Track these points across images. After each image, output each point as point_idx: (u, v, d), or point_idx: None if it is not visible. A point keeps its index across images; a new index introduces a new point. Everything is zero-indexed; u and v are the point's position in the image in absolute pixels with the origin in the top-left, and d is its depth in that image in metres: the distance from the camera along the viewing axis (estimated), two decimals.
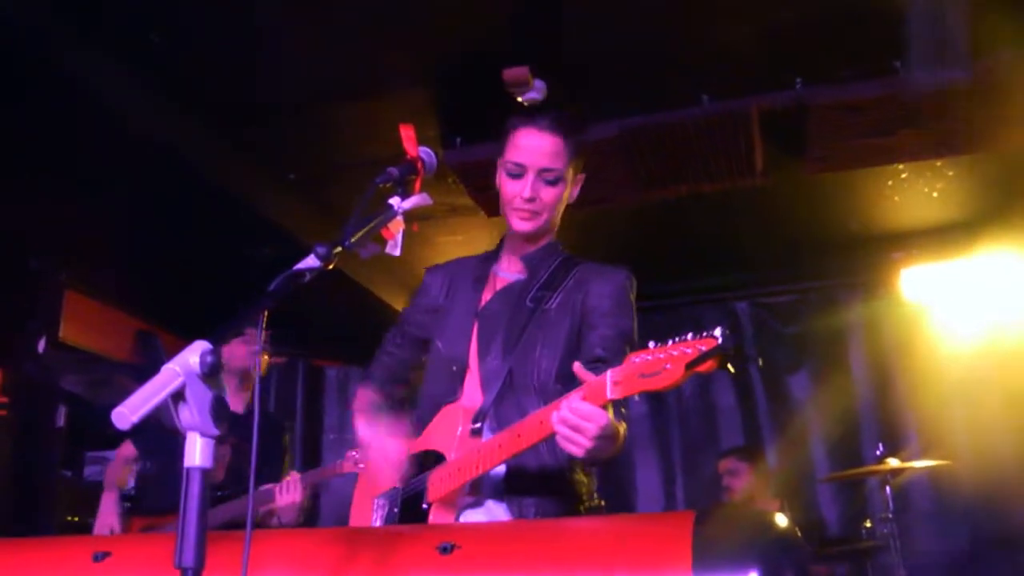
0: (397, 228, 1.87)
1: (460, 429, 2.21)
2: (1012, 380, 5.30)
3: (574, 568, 1.58)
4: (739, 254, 5.88)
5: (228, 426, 1.38)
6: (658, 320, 6.26)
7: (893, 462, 4.69)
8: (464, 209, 4.87)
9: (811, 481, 5.93)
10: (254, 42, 3.72)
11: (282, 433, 4.33)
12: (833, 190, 5.00)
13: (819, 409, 6.07)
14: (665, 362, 1.67)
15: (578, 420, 1.81)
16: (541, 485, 2.21)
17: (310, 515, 6.29)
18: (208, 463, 1.38)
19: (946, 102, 3.89)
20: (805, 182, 4.80)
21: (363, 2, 3.47)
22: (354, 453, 3.85)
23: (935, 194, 5.06)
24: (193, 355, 1.36)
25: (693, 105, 4.05)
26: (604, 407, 1.82)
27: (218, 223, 4.95)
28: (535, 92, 3.76)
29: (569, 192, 2.38)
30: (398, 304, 5.75)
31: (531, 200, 2.29)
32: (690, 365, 1.63)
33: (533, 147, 2.27)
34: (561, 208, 2.39)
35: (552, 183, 2.30)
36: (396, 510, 2.33)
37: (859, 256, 5.91)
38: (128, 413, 1.31)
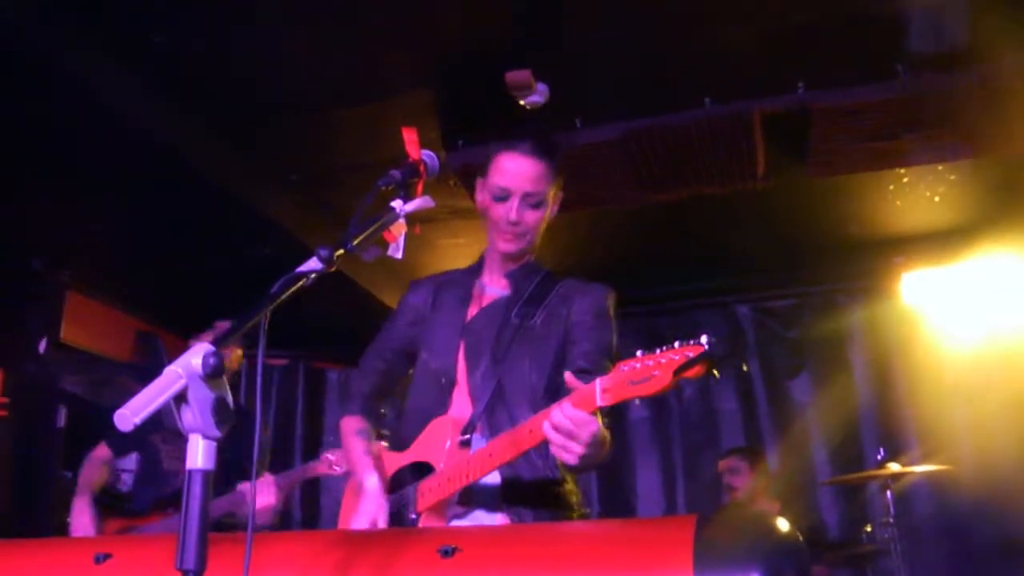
0: (399, 231, 1.87)
1: (449, 440, 2.23)
2: (1013, 384, 5.29)
3: (575, 572, 1.58)
4: (740, 258, 5.88)
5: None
6: (659, 323, 6.27)
7: (894, 466, 4.69)
8: (466, 212, 4.87)
9: (812, 485, 5.92)
10: (256, 43, 3.72)
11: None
12: (834, 194, 5.00)
13: (820, 413, 6.07)
14: (653, 369, 1.71)
15: (571, 426, 1.83)
16: (536, 495, 2.23)
17: (310, 515, 6.30)
18: (210, 465, 1.37)
19: (948, 106, 3.89)
20: (807, 186, 4.80)
21: (365, 4, 3.47)
22: (329, 455, 3.81)
23: (937, 198, 5.05)
24: (195, 357, 1.36)
25: (695, 108, 4.05)
26: (593, 414, 1.85)
27: (219, 224, 4.95)
28: (537, 95, 3.76)
29: (550, 211, 2.45)
30: None
31: (516, 224, 2.36)
32: (678, 371, 1.67)
33: (517, 172, 2.33)
34: (543, 228, 2.46)
35: (536, 206, 2.37)
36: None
37: (860, 260, 5.91)
38: (130, 415, 1.31)
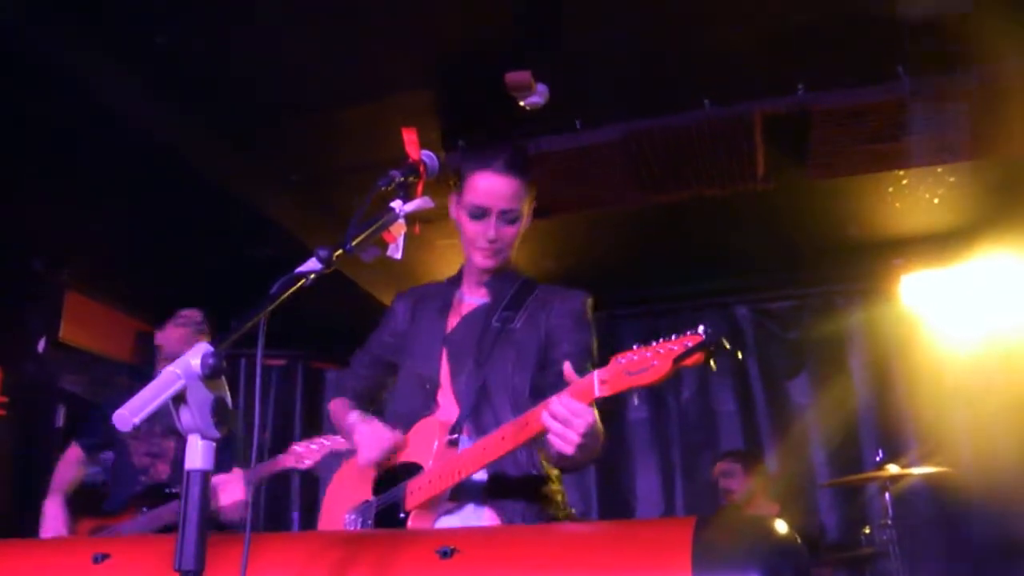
0: (399, 231, 1.88)
1: (437, 441, 2.26)
2: (1012, 386, 5.30)
3: (573, 574, 1.58)
4: (740, 259, 5.88)
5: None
6: (659, 324, 6.26)
7: (893, 468, 4.69)
8: None
9: (811, 487, 5.92)
10: (256, 43, 3.72)
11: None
12: (834, 196, 5.00)
13: (819, 414, 6.07)
14: (652, 359, 1.76)
15: (568, 415, 1.87)
16: (522, 492, 2.27)
17: (309, 517, 6.28)
18: (209, 465, 1.37)
19: (948, 108, 3.89)
20: (806, 187, 4.81)
21: (365, 4, 3.47)
22: (297, 447, 3.74)
23: (936, 200, 5.05)
24: (194, 357, 1.36)
25: (696, 109, 4.06)
26: (590, 406, 1.89)
27: (219, 224, 4.95)
28: (537, 96, 3.76)
29: (524, 223, 2.48)
30: None
31: (494, 240, 2.40)
32: (678, 359, 1.72)
33: (493, 190, 2.37)
34: (519, 241, 2.50)
35: (512, 222, 2.42)
36: (370, 523, 2.34)
37: (860, 262, 5.91)
38: (129, 415, 1.31)
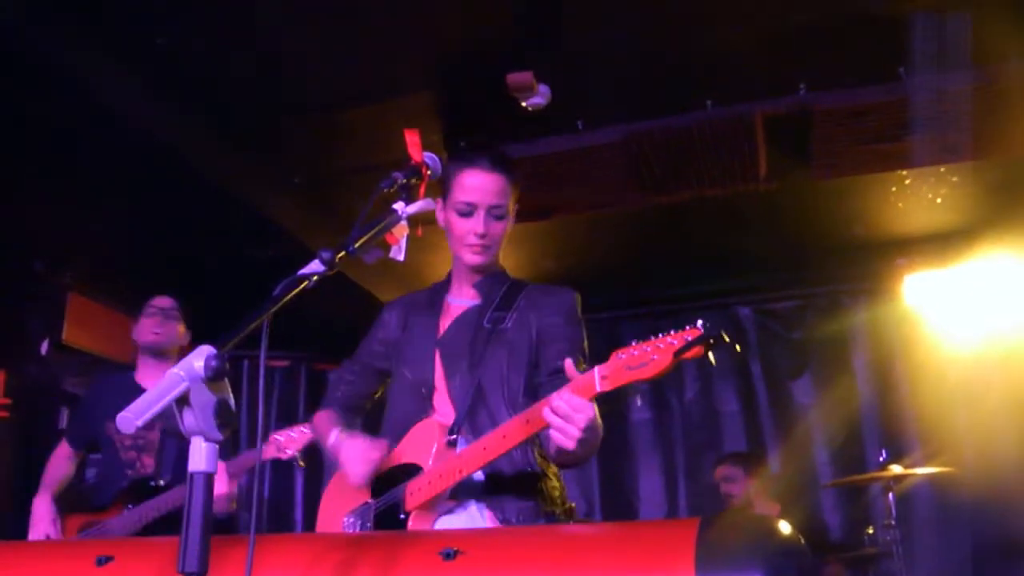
0: (401, 233, 1.88)
1: (436, 441, 2.28)
2: (1016, 386, 5.29)
3: (577, 575, 1.58)
4: (742, 259, 5.88)
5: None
6: (661, 325, 6.19)
7: (896, 468, 4.68)
8: None
9: (814, 487, 5.91)
10: (257, 45, 3.71)
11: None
12: (837, 196, 5.00)
13: (822, 415, 6.07)
14: (652, 354, 1.81)
15: (569, 410, 1.90)
16: (518, 489, 2.29)
17: (312, 508, 6.27)
18: (212, 467, 1.37)
19: (950, 108, 3.89)
20: (809, 188, 4.80)
21: (366, 5, 3.47)
22: (278, 436, 3.70)
23: (939, 200, 5.05)
24: (198, 359, 1.36)
25: (697, 110, 4.06)
26: (591, 401, 1.92)
27: (222, 226, 4.95)
28: (539, 97, 3.76)
29: (510, 222, 2.54)
30: None
31: (484, 236, 2.44)
32: (678, 352, 1.77)
33: (481, 187, 2.43)
34: (505, 241, 2.55)
35: (499, 218, 2.47)
36: (369, 525, 2.35)
37: (862, 262, 5.90)
38: (133, 417, 1.31)
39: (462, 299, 2.56)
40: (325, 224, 5.04)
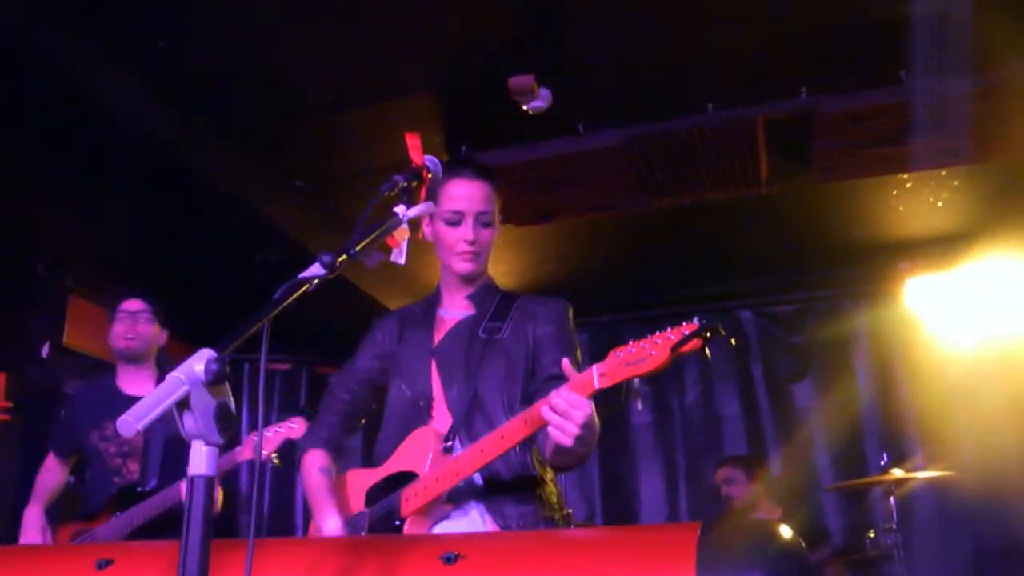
0: (402, 236, 1.88)
1: (432, 448, 2.28)
2: (1016, 389, 5.29)
3: None
4: (743, 263, 5.88)
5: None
6: (662, 328, 6.24)
7: (897, 472, 4.68)
8: None
9: (815, 490, 5.92)
10: (258, 47, 3.72)
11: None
12: (838, 199, 5.00)
13: (823, 418, 6.07)
14: (650, 349, 1.86)
15: (568, 407, 1.93)
16: (518, 494, 2.30)
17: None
18: (212, 471, 1.37)
19: (951, 112, 3.89)
20: (810, 191, 4.81)
21: (366, 8, 3.47)
22: (254, 437, 3.66)
23: (940, 204, 5.05)
24: (198, 363, 1.35)
25: (698, 113, 4.06)
26: (589, 399, 1.96)
27: (223, 229, 4.95)
28: (540, 100, 3.76)
29: (496, 230, 2.56)
30: None
31: (473, 243, 2.47)
32: (676, 346, 1.82)
33: (467, 195, 2.46)
34: (492, 250, 2.57)
35: (487, 225, 2.50)
36: (363, 533, 2.34)
37: (863, 265, 5.91)
38: (133, 421, 1.30)
39: (455, 311, 2.57)
40: (326, 226, 5.05)
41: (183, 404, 1.35)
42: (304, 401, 6.88)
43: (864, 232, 5.49)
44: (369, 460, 2.50)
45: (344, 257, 1.67)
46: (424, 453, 2.29)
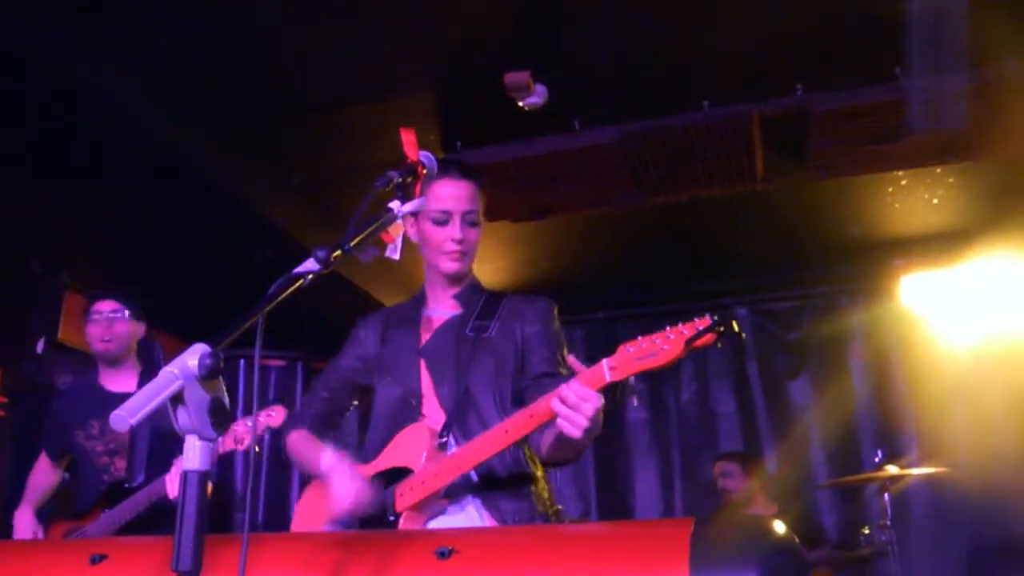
0: (397, 232, 1.88)
1: (426, 443, 2.29)
2: (1012, 386, 5.30)
3: (571, 574, 1.58)
4: (739, 260, 5.88)
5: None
6: (658, 326, 6.22)
7: (892, 469, 4.69)
8: None
9: (810, 487, 5.93)
10: (256, 45, 3.72)
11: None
12: (834, 196, 5.01)
13: (819, 415, 6.08)
14: (662, 344, 1.89)
15: (578, 400, 1.94)
16: (512, 491, 2.31)
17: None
18: (206, 466, 1.37)
19: (946, 109, 3.89)
20: (806, 188, 4.81)
21: (366, 6, 3.47)
22: (236, 427, 3.62)
23: (935, 201, 5.06)
24: (192, 358, 1.35)
25: (694, 111, 4.06)
26: (599, 392, 1.98)
27: (219, 225, 4.95)
28: (536, 97, 3.76)
29: (482, 230, 2.58)
30: None
31: (461, 241, 2.49)
32: (690, 341, 1.86)
33: (453, 194, 2.48)
34: (478, 249, 2.59)
35: (473, 224, 2.52)
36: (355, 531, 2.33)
37: (859, 262, 5.91)
38: (127, 416, 1.30)
39: (442, 310, 2.58)
40: (323, 223, 5.04)
41: (177, 399, 1.35)
42: (299, 397, 6.87)
43: (860, 229, 5.50)
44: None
45: (339, 252, 1.68)
46: (418, 449, 2.29)
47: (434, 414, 2.40)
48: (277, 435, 3.48)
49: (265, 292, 1.55)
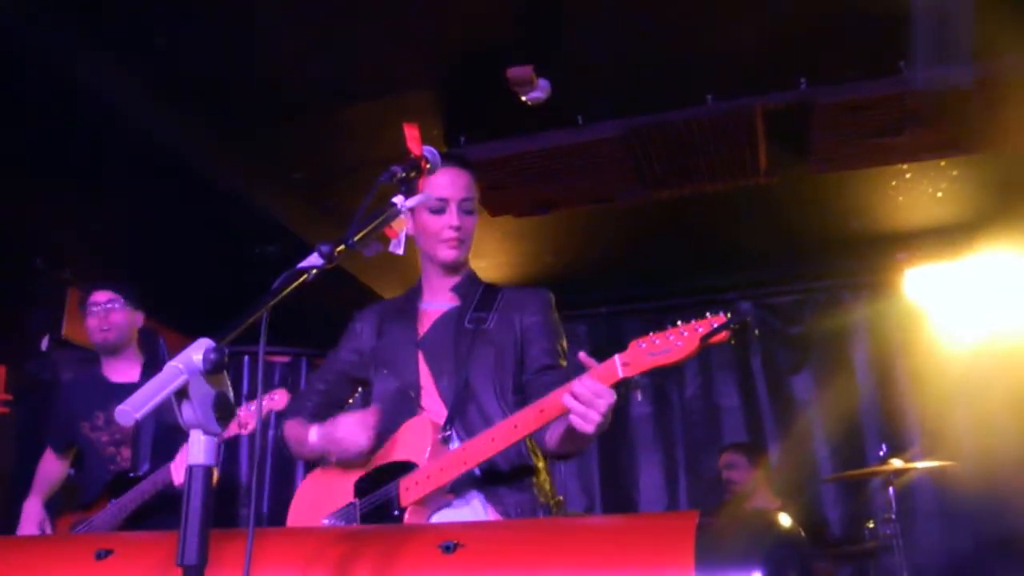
0: (400, 226, 1.88)
1: (430, 437, 2.29)
2: (1016, 380, 5.29)
3: (577, 567, 1.58)
4: (742, 254, 5.88)
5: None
6: (661, 320, 6.22)
7: (896, 463, 4.68)
8: None
9: (814, 481, 5.92)
10: (257, 42, 3.71)
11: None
12: (837, 190, 5.00)
13: (822, 409, 6.07)
14: (676, 340, 1.91)
15: (591, 396, 1.95)
16: (516, 484, 2.32)
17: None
18: (211, 460, 1.37)
19: (950, 103, 3.89)
20: (809, 182, 4.80)
21: (365, 6, 3.47)
22: (240, 411, 3.62)
23: (939, 194, 5.05)
24: (196, 352, 1.35)
25: (697, 104, 4.05)
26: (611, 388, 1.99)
27: (222, 222, 4.95)
28: (539, 91, 3.76)
29: (477, 217, 2.59)
30: None
31: (458, 228, 2.49)
32: (705, 337, 1.88)
33: (451, 182, 2.49)
34: (474, 236, 2.59)
35: (469, 212, 2.53)
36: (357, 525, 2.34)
37: (863, 256, 5.91)
38: (131, 410, 1.30)
39: (438, 303, 2.58)
40: (325, 220, 5.04)
41: (182, 393, 1.35)
42: None
43: (863, 223, 5.49)
44: None
45: (342, 247, 1.68)
46: (422, 443, 2.28)
47: (434, 406, 2.41)
48: (274, 415, 3.51)
49: (269, 287, 1.55)
